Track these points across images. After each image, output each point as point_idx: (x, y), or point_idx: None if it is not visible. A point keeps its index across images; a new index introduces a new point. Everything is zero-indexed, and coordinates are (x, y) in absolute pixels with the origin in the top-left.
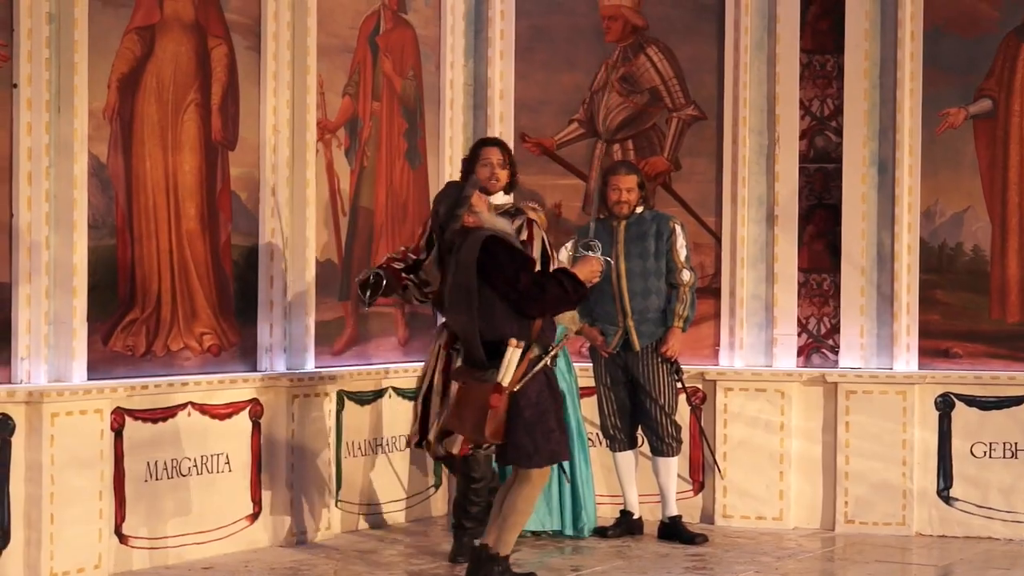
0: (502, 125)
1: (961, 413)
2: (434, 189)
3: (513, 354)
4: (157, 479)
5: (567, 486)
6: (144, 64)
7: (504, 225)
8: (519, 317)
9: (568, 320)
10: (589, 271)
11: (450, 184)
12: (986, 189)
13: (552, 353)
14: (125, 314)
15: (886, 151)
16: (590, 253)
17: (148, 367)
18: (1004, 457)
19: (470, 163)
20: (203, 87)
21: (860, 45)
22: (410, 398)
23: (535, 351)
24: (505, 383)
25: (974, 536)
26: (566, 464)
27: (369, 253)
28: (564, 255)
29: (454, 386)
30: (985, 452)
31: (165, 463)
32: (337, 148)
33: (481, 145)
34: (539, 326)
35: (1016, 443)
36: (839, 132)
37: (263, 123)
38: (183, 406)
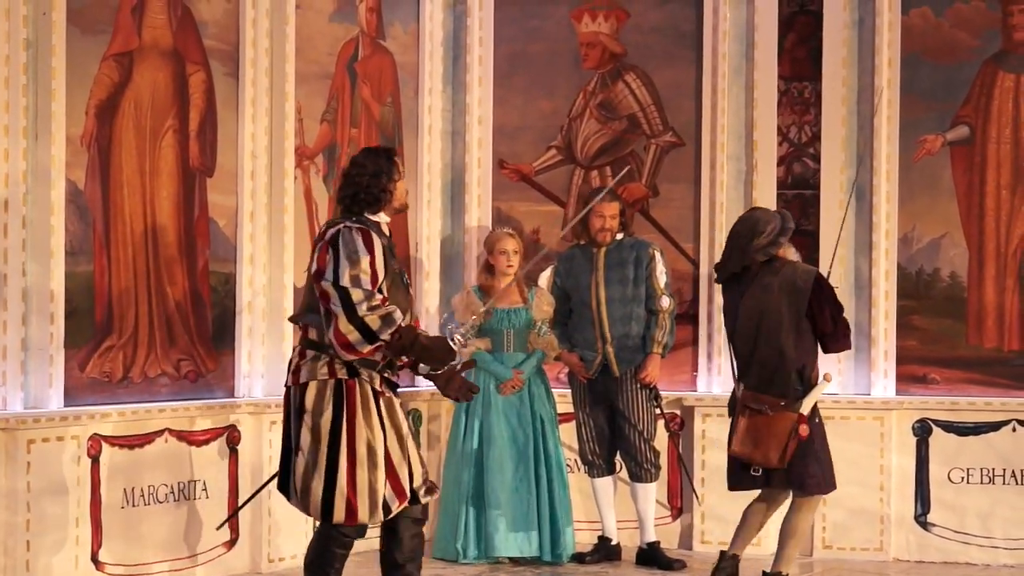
0: (480, 151)
1: (938, 439)
2: (412, 215)
3: (823, 386)
4: (134, 506)
5: (545, 512)
6: (122, 91)
7: None
8: (815, 350)
9: (547, 345)
10: None
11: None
12: (963, 215)
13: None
14: (102, 340)
15: (863, 178)
16: None
17: (125, 394)
18: (981, 483)
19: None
20: (181, 114)
21: (837, 72)
22: None
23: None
24: (806, 412)
25: (952, 561)
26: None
27: None
28: (543, 282)
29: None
30: (962, 478)
31: (142, 490)
32: (315, 174)
33: None
34: None
35: (993, 469)
36: (816, 159)
37: (241, 149)
38: (160, 432)
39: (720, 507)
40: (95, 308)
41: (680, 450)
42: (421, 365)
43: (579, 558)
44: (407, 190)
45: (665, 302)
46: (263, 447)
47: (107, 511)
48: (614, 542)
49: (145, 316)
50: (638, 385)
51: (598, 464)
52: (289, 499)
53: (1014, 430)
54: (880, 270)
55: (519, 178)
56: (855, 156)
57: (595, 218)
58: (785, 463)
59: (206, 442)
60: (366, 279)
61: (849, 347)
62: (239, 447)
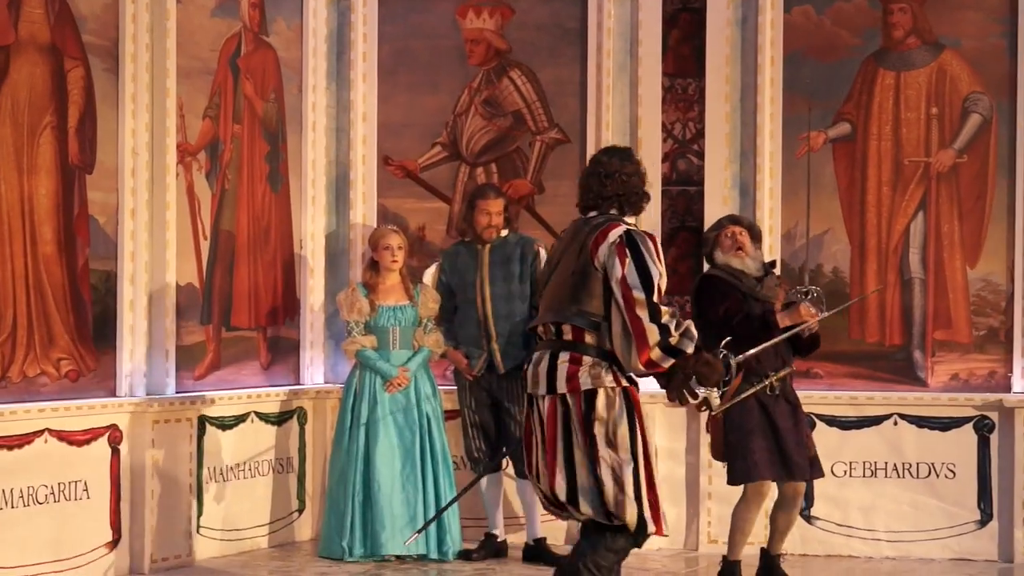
0: (365, 148)
1: (822, 432)
2: (296, 212)
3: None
4: (13, 507)
5: (431, 510)
6: None
7: None
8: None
9: (432, 343)
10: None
11: None
12: (845, 211)
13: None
14: None
15: (747, 174)
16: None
17: (4, 394)
18: (864, 476)
19: None
20: (59, 110)
21: (721, 70)
22: (272, 422)
23: None
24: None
25: (835, 555)
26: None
27: (231, 277)
28: (428, 278)
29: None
30: (845, 471)
31: (21, 491)
32: (198, 171)
33: None
34: None
35: (875, 462)
36: (701, 155)
37: (121, 146)
38: (39, 433)
39: None
40: None
41: None
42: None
43: (465, 555)
44: None
45: None
46: (145, 447)
47: None
48: (500, 539)
49: (24, 315)
50: (523, 382)
51: (483, 461)
52: (549, 501)
53: (896, 424)
54: None
55: (404, 175)
56: (739, 152)
57: (481, 215)
58: (719, 455)
59: (87, 442)
60: (662, 290)
61: None
62: (120, 447)
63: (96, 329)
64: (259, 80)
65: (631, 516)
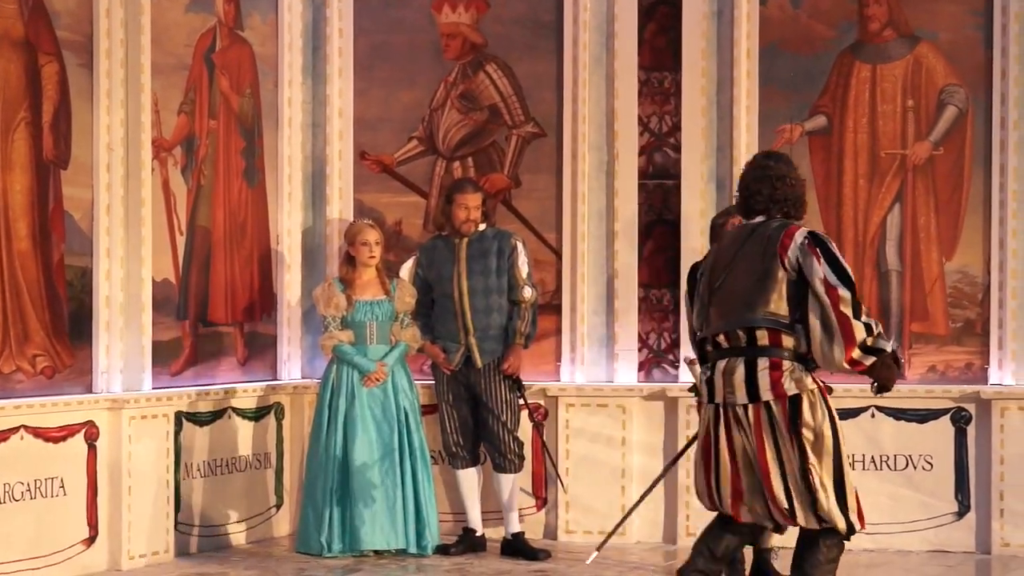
0: (341, 143)
1: None
2: (273, 208)
3: (689, 369)
4: None
5: (410, 505)
6: None
7: None
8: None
9: (410, 337)
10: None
11: None
12: (821, 204)
13: None
14: None
15: (724, 167)
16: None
17: None
18: None
19: None
20: (34, 105)
21: (697, 63)
22: (249, 418)
23: None
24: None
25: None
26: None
27: (207, 273)
28: (405, 273)
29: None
30: None
31: None
32: (173, 167)
33: None
34: None
35: (853, 455)
36: (677, 148)
37: (96, 142)
38: (15, 429)
39: (585, 497)
40: None
41: (544, 440)
42: None
43: (444, 550)
44: None
45: (527, 292)
46: (122, 443)
47: None
48: (478, 533)
49: None
50: (501, 376)
51: (462, 456)
52: (764, 514)
53: (873, 416)
54: None
55: (381, 169)
56: (715, 146)
57: (459, 209)
58: None
59: (63, 439)
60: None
61: None
62: (97, 443)
63: (72, 325)
64: (234, 75)
65: (842, 522)
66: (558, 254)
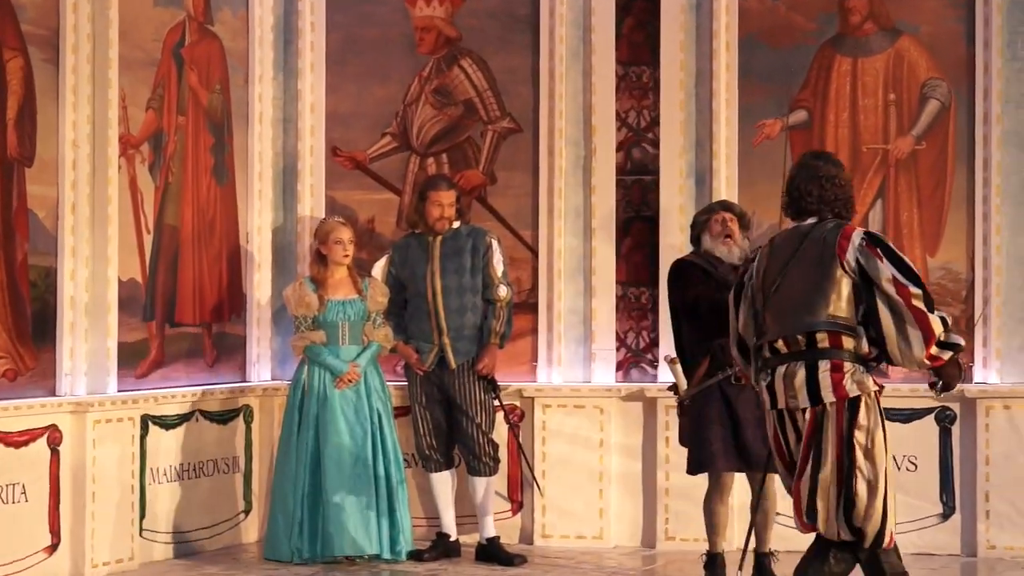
0: (313, 139)
1: None
2: (243, 206)
3: (670, 368)
4: None
5: (384, 509)
6: None
7: None
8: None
9: (382, 337)
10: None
11: None
12: None
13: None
14: None
15: (703, 162)
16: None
17: None
18: None
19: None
20: None
21: (676, 56)
22: (218, 421)
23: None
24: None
25: (796, 551)
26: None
27: (175, 272)
28: (377, 271)
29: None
30: None
31: None
32: (141, 164)
33: None
34: None
35: None
36: (656, 144)
37: (62, 139)
38: None
39: (561, 500)
40: None
41: (520, 442)
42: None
43: (417, 555)
44: None
45: (502, 291)
46: (86, 447)
47: None
48: (453, 538)
49: None
50: (475, 377)
51: (435, 459)
52: (806, 518)
53: None
54: None
55: (353, 166)
56: (694, 141)
57: (433, 207)
58: (683, 443)
59: (25, 443)
60: None
61: None
62: (60, 448)
63: (35, 327)
64: (204, 70)
65: (873, 529)
66: (534, 252)
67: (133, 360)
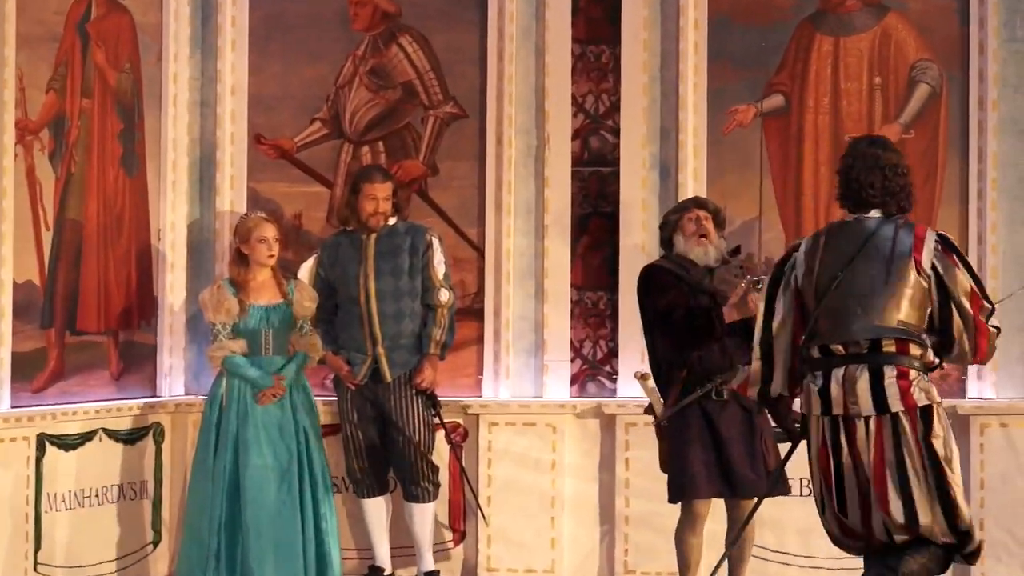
0: (233, 125)
1: None
2: (154, 198)
3: (643, 385)
4: None
5: (311, 538)
6: None
7: None
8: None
9: (310, 347)
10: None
11: None
12: (779, 194)
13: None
14: None
15: (668, 153)
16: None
17: None
18: (802, 495)
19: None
20: None
21: (638, 35)
22: (124, 441)
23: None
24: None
25: None
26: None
27: (78, 272)
28: (304, 273)
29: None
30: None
31: None
32: (40, 152)
33: None
34: None
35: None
36: (616, 132)
37: None
38: None
39: (509, 528)
40: None
41: (463, 464)
42: None
43: None
44: None
45: (443, 295)
46: None
47: None
48: (387, 572)
49: None
50: (413, 391)
51: (368, 483)
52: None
53: None
54: None
55: (278, 155)
56: (658, 129)
57: (366, 201)
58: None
59: None
60: None
61: None
62: None
63: None
64: (112, 48)
65: (974, 530)
66: (480, 251)
67: (29, 372)
